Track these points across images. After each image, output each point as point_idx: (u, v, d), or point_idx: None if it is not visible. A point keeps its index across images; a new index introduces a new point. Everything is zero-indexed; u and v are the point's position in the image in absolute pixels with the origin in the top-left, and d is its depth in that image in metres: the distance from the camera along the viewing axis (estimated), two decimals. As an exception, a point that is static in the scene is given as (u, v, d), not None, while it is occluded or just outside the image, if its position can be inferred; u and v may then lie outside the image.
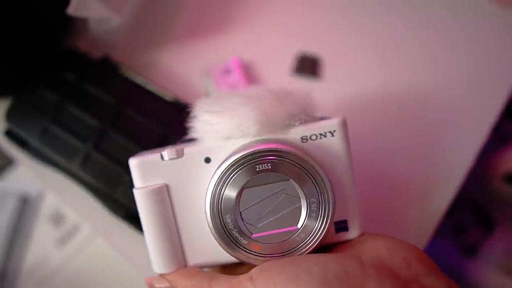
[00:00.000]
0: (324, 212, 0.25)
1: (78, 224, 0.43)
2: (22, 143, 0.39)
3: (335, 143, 0.26)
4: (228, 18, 0.46)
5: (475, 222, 0.55)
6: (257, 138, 0.26)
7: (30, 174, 0.43)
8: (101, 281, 0.41)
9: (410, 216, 0.40)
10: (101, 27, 0.41)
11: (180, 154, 0.26)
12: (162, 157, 0.26)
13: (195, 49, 0.45)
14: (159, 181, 0.27)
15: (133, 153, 0.37)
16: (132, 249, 0.39)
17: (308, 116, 0.27)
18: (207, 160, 0.26)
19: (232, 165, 0.25)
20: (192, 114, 0.27)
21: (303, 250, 0.25)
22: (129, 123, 0.37)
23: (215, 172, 0.25)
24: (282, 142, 0.26)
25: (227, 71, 0.43)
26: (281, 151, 0.25)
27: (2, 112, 0.39)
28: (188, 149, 0.26)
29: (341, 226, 0.27)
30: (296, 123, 0.26)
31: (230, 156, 0.25)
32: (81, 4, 0.35)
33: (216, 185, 0.25)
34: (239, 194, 0.25)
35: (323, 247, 0.27)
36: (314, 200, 0.25)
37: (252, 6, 0.46)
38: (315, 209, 0.25)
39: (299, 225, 0.25)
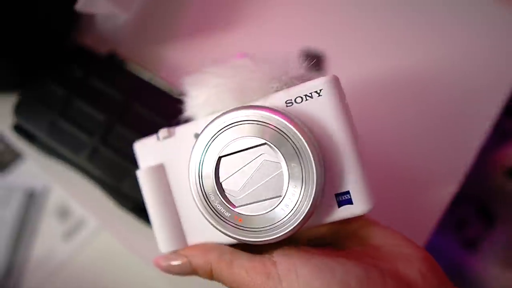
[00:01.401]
0: (308, 177, 0.22)
1: (84, 218, 0.43)
2: (30, 138, 0.39)
3: (324, 103, 0.23)
4: (233, 14, 0.46)
5: (477, 216, 0.55)
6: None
7: (36, 169, 0.43)
8: (107, 274, 0.41)
9: (412, 209, 0.41)
10: (108, 23, 0.41)
11: (171, 133, 0.27)
12: (157, 138, 0.27)
13: (201, 44, 0.45)
14: (156, 161, 0.27)
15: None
16: (138, 241, 0.39)
17: (294, 78, 0.25)
18: (197, 136, 0.25)
19: (205, 136, 0.24)
20: (183, 91, 0.27)
21: (290, 224, 0.23)
22: (136, 117, 0.37)
23: (193, 147, 0.24)
24: (261, 107, 0.23)
25: (232, 67, 0.43)
26: (252, 113, 0.23)
27: (10, 108, 0.40)
28: (179, 127, 0.27)
29: (343, 198, 0.24)
30: (279, 87, 0.24)
31: (204, 128, 0.24)
32: (89, 1, 0.35)
33: (195, 159, 0.24)
34: (217, 164, 0.24)
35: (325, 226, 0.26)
36: (295, 164, 0.22)
37: (257, 2, 0.46)
38: (298, 174, 0.22)
39: (282, 193, 0.23)
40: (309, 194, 0.22)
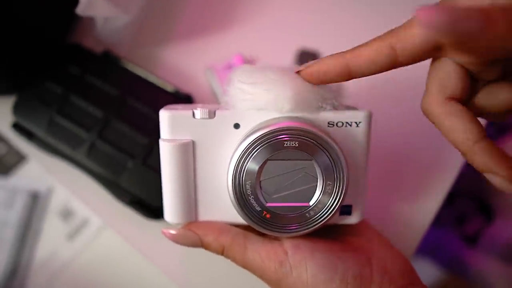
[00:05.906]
0: (336, 195, 0.26)
1: (88, 219, 0.43)
2: (29, 135, 0.40)
3: (359, 133, 0.27)
4: (229, 15, 0.47)
5: (476, 211, 0.55)
6: (287, 115, 0.27)
7: (39, 171, 0.44)
8: (112, 273, 0.41)
9: (407, 205, 0.41)
10: (107, 25, 0.41)
11: (211, 115, 0.27)
12: (193, 115, 0.27)
13: (199, 46, 0.46)
14: (187, 137, 0.28)
15: (136, 141, 0.37)
16: (140, 238, 0.40)
17: (337, 102, 0.28)
18: (236, 126, 0.27)
19: (262, 136, 0.25)
20: (229, 79, 0.28)
21: (310, 226, 0.27)
22: (131, 112, 0.38)
23: (244, 140, 0.26)
24: (311, 123, 0.26)
25: (230, 67, 0.44)
26: (311, 133, 0.25)
27: (10, 109, 0.40)
28: (220, 112, 0.27)
29: (345, 210, 0.29)
30: (326, 108, 0.27)
31: (261, 128, 0.26)
32: (89, 4, 0.36)
33: (244, 152, 0.26)
34: (263, 165, 0.26)
35: (325, 227, 0.28)
36: (330, 183, 0.26)
37: (253, 3, 0.47)
38: (329, 191, 0.26)
39: (311, 203, 0.26)
40: (332, 208, 0.26)
